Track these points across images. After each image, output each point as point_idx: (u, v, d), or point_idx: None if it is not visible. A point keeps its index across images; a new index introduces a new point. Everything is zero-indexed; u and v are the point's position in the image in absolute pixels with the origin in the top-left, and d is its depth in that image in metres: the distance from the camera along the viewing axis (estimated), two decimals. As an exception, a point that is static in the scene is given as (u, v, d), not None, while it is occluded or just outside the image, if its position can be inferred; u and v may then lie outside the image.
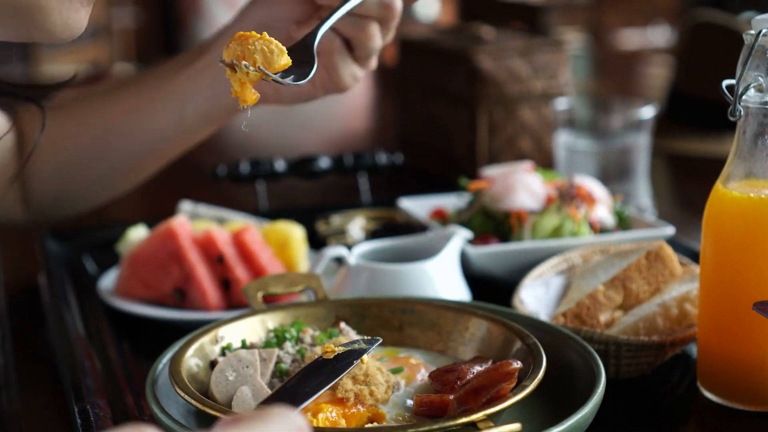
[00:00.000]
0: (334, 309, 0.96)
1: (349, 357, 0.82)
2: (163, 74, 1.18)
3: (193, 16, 5.02)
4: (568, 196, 1.25)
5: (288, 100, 1.13)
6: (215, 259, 1.18)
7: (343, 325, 0.93)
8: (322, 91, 1.09)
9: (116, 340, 1.12)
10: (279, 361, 0.87)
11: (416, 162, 1.82)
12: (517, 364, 0.77)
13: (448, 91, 1.74)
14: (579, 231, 1.24)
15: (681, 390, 1.00)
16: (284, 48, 0.79)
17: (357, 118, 2.56)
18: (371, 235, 1.34)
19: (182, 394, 0.80)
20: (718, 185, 0.93)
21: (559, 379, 0.86)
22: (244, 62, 0.78)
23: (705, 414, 0.95)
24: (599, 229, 1.26)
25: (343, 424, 0.78)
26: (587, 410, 0.78)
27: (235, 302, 1.17)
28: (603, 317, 1.02)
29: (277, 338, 0.90)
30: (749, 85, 0.88)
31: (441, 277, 1.07)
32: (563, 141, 1.65)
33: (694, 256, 1.14)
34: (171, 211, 1.36)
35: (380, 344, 0.91)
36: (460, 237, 1.13)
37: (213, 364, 0.87)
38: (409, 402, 0.82)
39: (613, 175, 1.62)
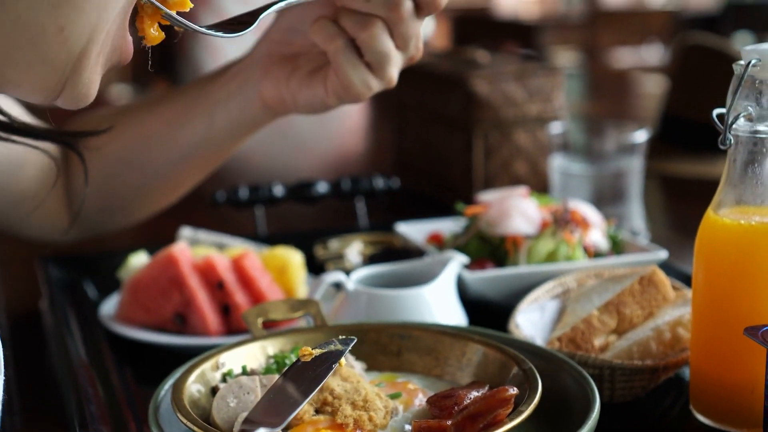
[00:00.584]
0: (333, 335, 0.97)
1: (328, 359, 0.83)
2: (200, 84, 1.19)
3: (189, 37, 5.04)
4: (562, 221, 1.26)
5: (304, 109, 1.10)
6: (215, 285, 1.19)
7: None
8: (335, 99, 1.06)
9: (118, 365, 1.13)
10: (279, 387, 0.88)
11: (413, 185, 1.83)
12: (514, 391, 0.79)
13: (444, 115, 1.76)
14: (574, 255, 1.25)
15: (674, 413, 1.01)
16: None
17: (354, 141, 2.58)
18: (369, 259, 1.36)
19: (184, 420, 0.81)
20: (710, 212, 0.94)
21: (555, 403, 0.87)
22: None
23: (697, 437, 0.96)
24: (594, 254, 1.28)
25: (342, 449, 0.79)
26: (582, 435, 0.79)
27: (235, 327, 1.18)
28: (597, 341, 1.03)
29: (278, 364, 0.91)
30: (739, 114, 0.89)
31: (438, 302, 1.09)
32: (558, 164, 1.67)
33: (687, 280, 1.15)
34: (171, 238, 1.37)
35: (379, 369, 0.92)
36: (456, 262, 1.14)
37: (214, 390, 0.88)
38: (408, 427, 0.83)
39: (607, 198, 1.63)
